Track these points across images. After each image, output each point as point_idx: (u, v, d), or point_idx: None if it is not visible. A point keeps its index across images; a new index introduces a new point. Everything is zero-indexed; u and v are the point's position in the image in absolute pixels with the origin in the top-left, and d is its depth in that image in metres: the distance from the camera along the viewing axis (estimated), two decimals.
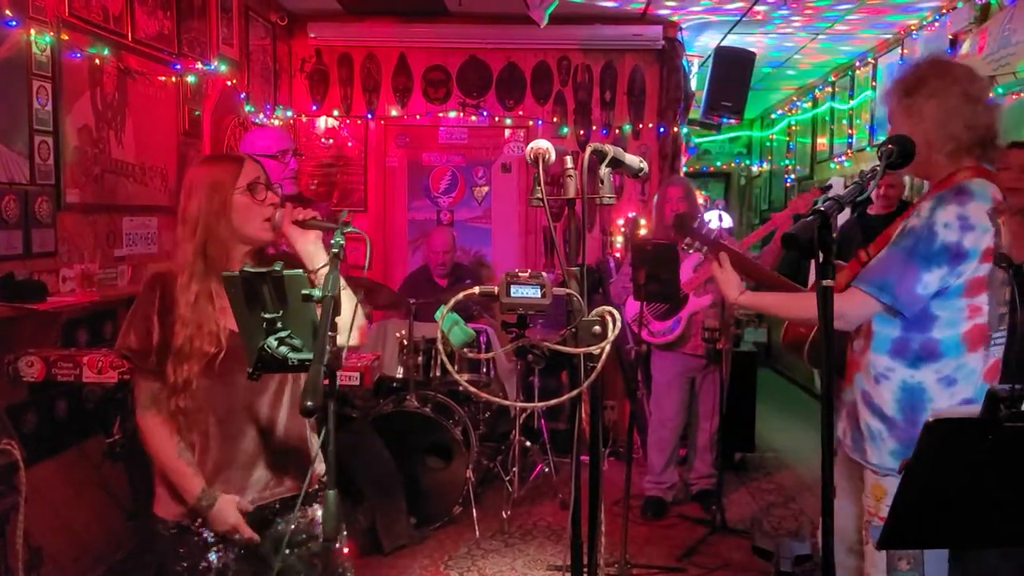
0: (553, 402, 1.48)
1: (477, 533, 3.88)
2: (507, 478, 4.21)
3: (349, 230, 1.82)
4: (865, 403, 2.07)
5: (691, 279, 4.11)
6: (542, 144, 1.50)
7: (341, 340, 1.95)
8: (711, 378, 4.24)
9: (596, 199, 1.50)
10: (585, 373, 1.42)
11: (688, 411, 4.35)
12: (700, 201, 4.80)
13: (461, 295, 1.42)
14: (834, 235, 1.34)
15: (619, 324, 1.38)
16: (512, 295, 1.36)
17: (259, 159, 2.10)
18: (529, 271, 1.41)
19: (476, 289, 1.42)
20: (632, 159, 1.60)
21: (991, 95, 2.08)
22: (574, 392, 1.40)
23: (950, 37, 4.73)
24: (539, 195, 1.44)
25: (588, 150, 1.49)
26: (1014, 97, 4.13)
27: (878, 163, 1.68)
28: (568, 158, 1.49)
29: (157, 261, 3.78)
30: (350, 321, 1.88)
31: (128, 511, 2.89)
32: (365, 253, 1.77)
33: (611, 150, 1.52)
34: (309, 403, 1.53)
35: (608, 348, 1.37)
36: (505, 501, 4.09)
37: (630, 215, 5.62)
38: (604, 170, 1.50)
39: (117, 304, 3.44)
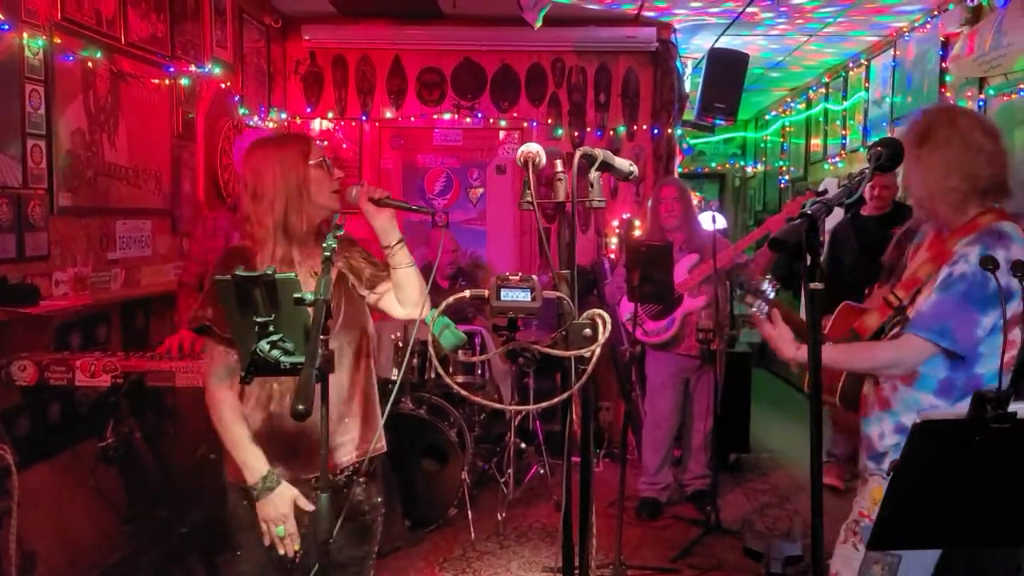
0: (544, 405, 1.48)
1: (472, 535, 3.88)
2: (502, 480, 4.22)
3: (418, 210, 2.03)
4: (899, 432, 2.08)
5: (686, 280, 4.12)
6: (532, 148, 1.50)
7: (413, 313, 2.05)
8: (705, 379, 4.25)
9: (586, 203, 1.50)
10: (576, 376, 1.42)
11: (682, 412, 4.35)
12: (695, 202, 4.81)
13: (451, 298, 1.42)
14: (822, 238, 1.35)
15: (609, 327, 1.38)
16: (502, 299, 1.36)
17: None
18: (520, 274, 1.41)
19: (467, 293, 1.43)
20: (622, 162, 1.61)
21: (997, 144, 2.08)
22: (564, 395, 1.40)
23: (942, 39, 4.75)
24: (529, 198, 1.45)
25: (577, 154, 1.49)
26: (1005, 99, 4.15)
27: (867, 165, 1.69)
28: (558, 162, 1.50)
29: (151, 264, 3.78)
30: (424, 292, 2.00)
31: (123, 515, 2.88)
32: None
33: (601, 153, 1.53)
34: (300, 407, 1.53)
35: (598, 351, 1.38)
36: (500, 503, 4.10)
37: (624, 216, 5.63)
38: (594, 174, 1.50)
39: (110, 307, 3.44)
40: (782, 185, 8.09)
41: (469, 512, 3.92)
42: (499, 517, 4.01)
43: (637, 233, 5.42)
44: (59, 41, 3.09)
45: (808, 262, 1.33)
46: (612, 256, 5.52)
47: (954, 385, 2.02)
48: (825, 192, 5.26)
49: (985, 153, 2.03)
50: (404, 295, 2.03)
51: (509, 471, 4.22)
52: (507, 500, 4.12)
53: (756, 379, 5.43)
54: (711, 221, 4.10)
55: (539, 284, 1.39)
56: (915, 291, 2.07)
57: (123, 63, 3.53)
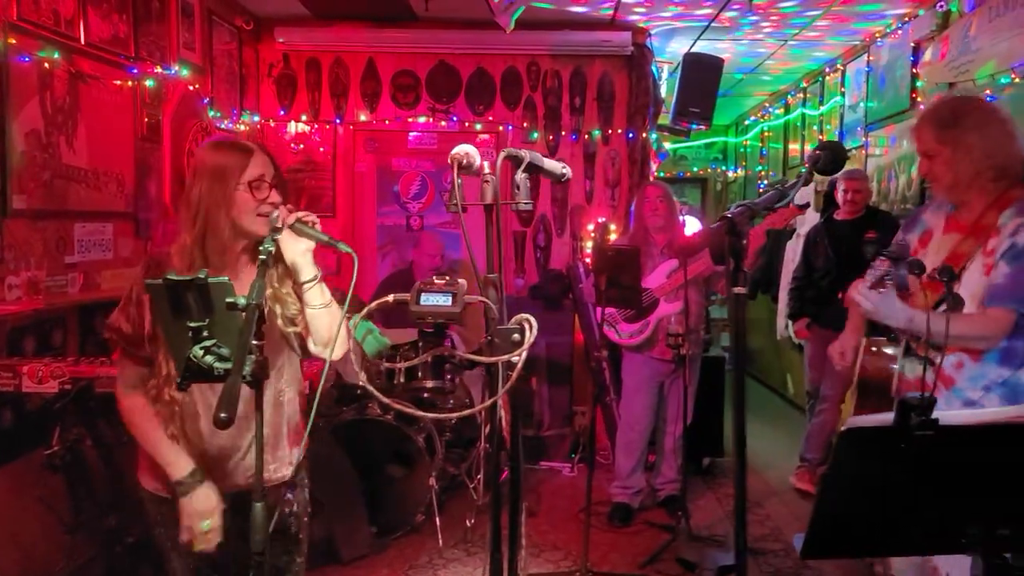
0: (466, 412, 1.45)
1: (440, 542, 3.83)
2: (472, 485, 4.17)
3: (341, 248, 1.76)
4: (967, 406, 2.13)
5: (663, 285, 4.09)
6: (462, 149, 1.47)
7: (324, 353, 1.93)
8: (679, 383, 4.22)
9: (511, 205, 1.47)
10: (504, 381, 1.39)
11: (656, 415, 4.32)
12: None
13: (374, 304, 1.39)
14: (745, 242, 1.32)
15: (536, 331, 1.35)
16: (421, 303, 1.33)
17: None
18: (446, 278, 1.38)
19: (390, 297, 1.39)
20: (553, 164, 1.58)
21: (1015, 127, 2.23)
22: (488, 403, 1.37)
23: (912, 44, 4.76)
24: (456, 200, 1.42)
25: (501, 155, 1.46)
26: None
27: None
28: (486, 163, 1.47)
29: (112, 268, 3.73)
30: (335, 335, 1.83)
31: (68, 524, 2.83)
32: (352, 270, 1.67)
33: (527, 155, 1.50)
34: (223, 415, 1.50)
35: (524, 356, 1.35)
36: (469, 509, 4.05)
37: (600, 220, 5.61)
38: (520, 175, 1.47)
39: (67, 311, 3.39)
40: (761, 190, 8.10)
41: (437, 518, 3.88)
42: (468, 523, 3.97)
43: (613, 237, 5.41)
44: (14, 41, 3.04)
45: (731, 266, 1.30)
46: (588, 260, 5.50)
47: (1015, 352, 2.06)
48: (808, 205, 5.27)
49: (1016, 134, 2.15)
50: (317, 336, 1.92)
51: (478, 476, 4.18)
52: (476, 506, 4.08)
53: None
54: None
55: (464, 289, 1.36)
56: (961, 267, 2.12)
57: (82, 64, 3.48)
